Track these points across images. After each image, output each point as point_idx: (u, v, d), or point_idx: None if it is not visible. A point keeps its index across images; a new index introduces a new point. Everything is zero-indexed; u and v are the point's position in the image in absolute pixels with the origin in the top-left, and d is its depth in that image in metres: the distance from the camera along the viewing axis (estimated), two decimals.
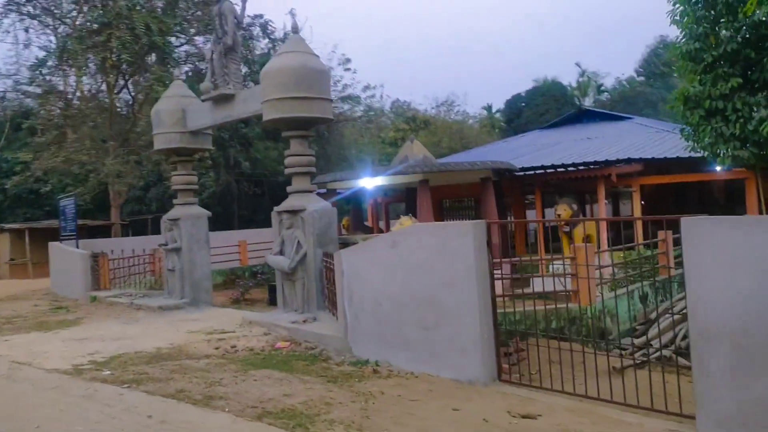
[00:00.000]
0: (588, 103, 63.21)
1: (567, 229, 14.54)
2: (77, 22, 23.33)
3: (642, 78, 62.80)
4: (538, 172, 14.80)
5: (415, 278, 6.83)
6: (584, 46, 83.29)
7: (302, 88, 10.05)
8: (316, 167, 11.12)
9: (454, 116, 53.79)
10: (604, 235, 14.29)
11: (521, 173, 14.78)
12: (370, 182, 15.02)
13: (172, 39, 24.43)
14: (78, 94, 25.52)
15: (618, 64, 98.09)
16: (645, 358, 7.52)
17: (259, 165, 39.55)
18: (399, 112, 55.78)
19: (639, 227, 14.25)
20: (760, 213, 14.30)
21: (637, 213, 14.88)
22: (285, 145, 11.27)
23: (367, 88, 43.52)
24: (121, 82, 24.87)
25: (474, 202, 17.44)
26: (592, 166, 13.92)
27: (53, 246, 17.00)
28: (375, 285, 7.38)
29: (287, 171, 10.88)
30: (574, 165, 14.31)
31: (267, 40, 31.31)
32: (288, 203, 10.58)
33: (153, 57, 24.19)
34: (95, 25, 21.62)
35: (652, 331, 9.31)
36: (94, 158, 23.36)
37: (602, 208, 14.16)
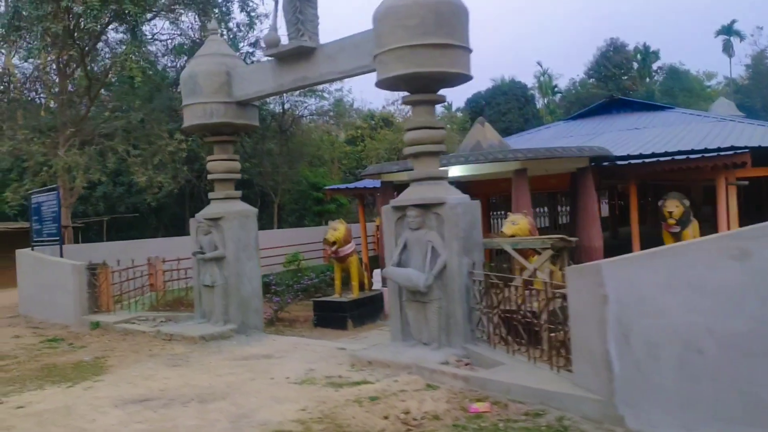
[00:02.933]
0: (541, 104, 62.52)
1: (677, 229, 12.20)
2: None
3: (593, 80, 62.45)
4: (635, 162, 12.39)
5: None
6: (538, 48, 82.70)
7: (443, 33, 7.14)
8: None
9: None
10: None
11: (623, 162, 12.33)
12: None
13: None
14: (22, 71, 21.42)
15: (568, 66, 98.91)
16: None
17: None
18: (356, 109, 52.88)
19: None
20: None
21: (735, 211, 12.65)
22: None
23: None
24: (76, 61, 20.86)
25: (562, 195, 14.90)
26: (707, 155, 11.61)
27: (24, 255, 13.18)
28: (687, 319, 4.59)
29: (408, 150, 7.92)
30: (685, 153, 11.96)
31: None
32: (416, 195, 7.62)
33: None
34: None
35: None
36: (48, 147, 19.40)
37: (723, 205, 11.94)
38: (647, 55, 53.28)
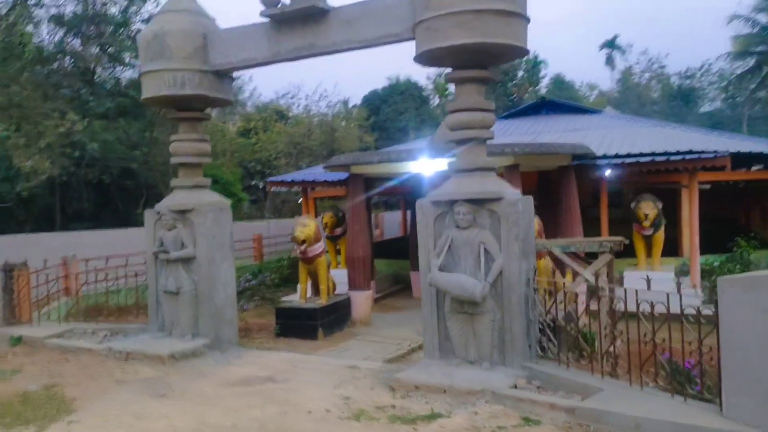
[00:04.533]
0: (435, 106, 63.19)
1: (650, 232, 11.96)
2: None
3: None
4: (616, 161, 12.00)
5: None
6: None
7: None
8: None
9: (316, 108, 49.50)
10: (695, 240, 11.92)
11: (603, 162, 11.86)
12: (429, 166, 11.04)
13: None
14: None
15: None
16: None
17: (108, 149, 32.60)
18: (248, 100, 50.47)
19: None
20: None
21: (695, 214, 12.62)
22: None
23: None
24: None
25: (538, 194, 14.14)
26: (688, 157, 11.43)
27: None
28: None
29: (451, 136, 6.78)
30: (667, 154, 11.69)
31: None
32: (467, 188, 6.48)
33: None
34: None
35: None
36: None
37: (695, 208, 11.82)
38: (536, 64, 55.25)
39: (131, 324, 9.05)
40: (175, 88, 7.86)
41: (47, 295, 10.01)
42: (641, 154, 11.97)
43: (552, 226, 11.12)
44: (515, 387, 5.76)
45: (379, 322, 11.43)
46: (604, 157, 11.98)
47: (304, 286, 10.82)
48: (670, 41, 73.29)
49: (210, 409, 5.67)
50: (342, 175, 13.74)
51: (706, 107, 58.33)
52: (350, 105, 57.31)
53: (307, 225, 10.39)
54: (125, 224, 29.60)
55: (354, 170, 11.36)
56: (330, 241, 14.01)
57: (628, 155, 12.05)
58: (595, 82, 55.63)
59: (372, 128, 50.39)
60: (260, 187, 39.06)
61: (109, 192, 33.74)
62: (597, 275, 6.74)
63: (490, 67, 6.67)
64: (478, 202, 6.38)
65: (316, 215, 15.75)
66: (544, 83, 57.86)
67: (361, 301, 11.27)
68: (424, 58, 6.59)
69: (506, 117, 21.80)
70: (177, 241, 8.17)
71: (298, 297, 10.85)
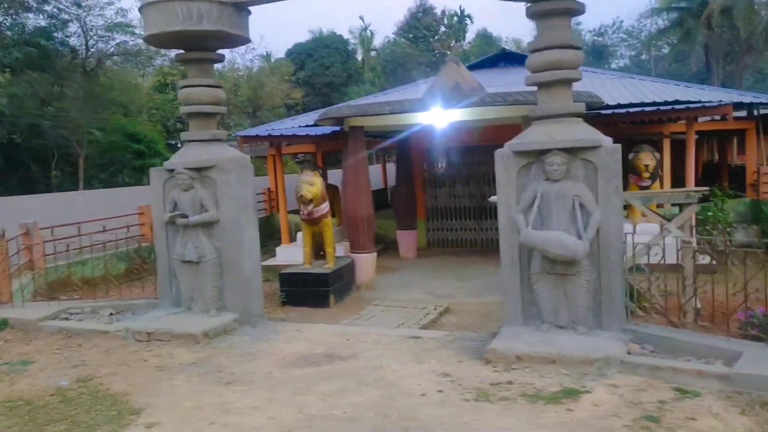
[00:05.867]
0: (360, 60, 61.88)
1: (648, 183, 11.85)
2: None
3: (404, 40, 63.45)
4: (619, 111, 11.69)
5: None
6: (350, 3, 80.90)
7: None
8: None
9: (242, 62, 46.95)
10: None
11: (607, 112, 11.51)
12: (441, 118, 10.25)
13: None
14: None
15: (378, 24, 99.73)
16: None
17: (16, 104, 29.62)
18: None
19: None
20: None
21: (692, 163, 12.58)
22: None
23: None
24: None
25: None
26: (691, 106, 11.28)
27: None
28: None
29: (534, 78, 6.08)
30: (670, 103, 11.49)
31: None
32: (560, 135, 5.83)
33: None
34: None
35: None
36: None
37: (691, 156, 11.74)
38: (462, 18, 54.93)
39: (136, 300, 7.90)
40: (190, 23, 6.67)
41: (18, 268, 8.62)
42: (644, 104, 11.73)
43: None
44: (629, 353, 5.30)
45: (382, 285, 10.75)
46: (608, 107, 11.62)
47: (309, 249, 9.93)
48: None
49: (299, 396, 4.85)
50: (326, 129, 12.77)
51: (614, 64, 60.24)
52: (273, 59, 55.04)
53: (314, 183, 9.47)
54: (33, 189, 27.06)
55: (353, 122, 10.44)
56: None
57: (631, 104, 11.77)
58: (519, 38, 55.85)
59: (298, 83, 48.69)
60: (180, 147, 36.98)
61: (18, 153, 30.84)
62: (682, 227, 6.36)
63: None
64: (572, 151, 5.77)
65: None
66: (470, 38, 57.75)
67: (366, 264, 10.53)
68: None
69: (472, 66, 21.20)
70: (195, 204, 7.09)
71: (303, 261, 9.94)
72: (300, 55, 52.79)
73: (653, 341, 5.48)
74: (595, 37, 61.42)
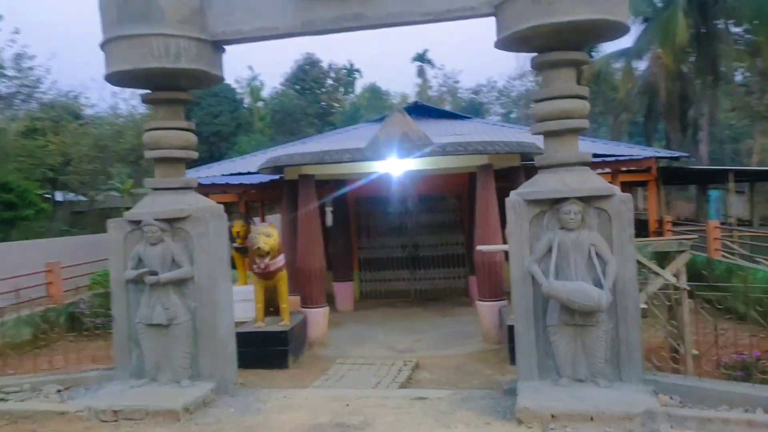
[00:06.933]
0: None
1: None
2: None
3: (291, 91, 63.76)
4: None
5: None
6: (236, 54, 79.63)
7: None
8: None
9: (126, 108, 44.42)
10: None
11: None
12: (397, 166, 9.99)
13: None
14: None
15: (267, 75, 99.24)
16: None
17: None
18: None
19: None
20: None
21: None
22: None
23: (22, 56, 32.59)
24: None
25: (460, 199, 13.42)
26: (620, 158, 11.91)
27: None
28: None
29: (542, 127, 6.01)
30: (614, 156, 12.06)
31: None
32: (575, 184, 5.76)
33: None
34: None
35: None
36: None
37: None
38: (350, 72, 55.98)
39: (86, 371, 6.80)
40: (167, 60, 6.04)
41: None
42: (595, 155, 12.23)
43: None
44: (663, 405, 5.20)
45: (334, 340, 10.17)
46: None
47: (262, 306, 9.21)
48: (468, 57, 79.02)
49: None
50: (263, 178, 12.16)
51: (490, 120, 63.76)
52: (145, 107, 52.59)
53: (270, 234, 8.85)
54: None
55: (305, 171, 9.98)
56: (238, 254, 12.27)
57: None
58: (407, 92, 57.73)
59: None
60: (50, 197, 34.40)
61: None
62: (677, 275, 6.47)
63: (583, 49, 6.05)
64: (587, 200, 5.72)
65: None
66: (358, 92, 58.81)
67: (319, 319, 9.93)
68: (512, 39, 5.75)
69: (374, 121, 21.38)
70: (166, 259, 6.30)
71: (255, 319, 9.18)
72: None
73: (678, 391, 5.42)
74: (472, 95, 64.73)
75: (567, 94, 5.88)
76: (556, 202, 5.75)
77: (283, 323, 9.09)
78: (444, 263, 13.72)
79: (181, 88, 6.56)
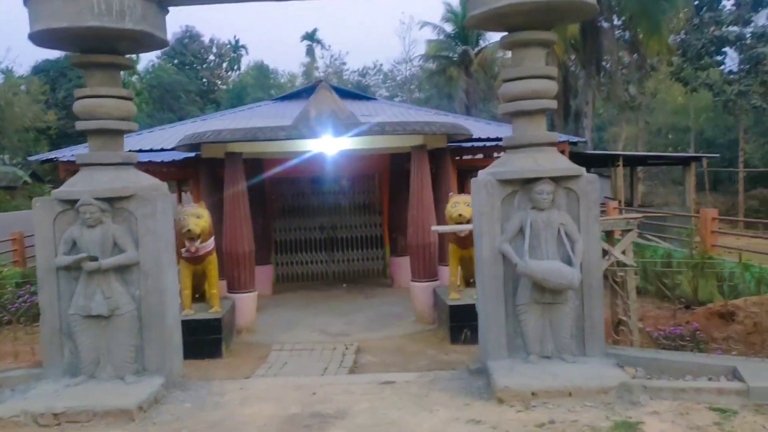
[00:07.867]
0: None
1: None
2: None
3: (170, 65, 60.77)
4: (478, 144, 12.13)
5: None
6: None
7: None
8: None
9: None
10: None
11: (467, 145, 11.79)
12: (331, 144, 9.60)
13: None
14: None
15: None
16: None
17: None
18: None
19: None
20: None
21: None
22: None
23: None
24: None
25: (378, 180, 13.08)
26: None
27: None
28: None
29: (510, 107, 5.95)
30: None
31: None
32: (547, 164, 5.77)
33: None
34: None
35: None
36: None
37: None
38: (237, 48, 54.05)
39: (8, 371, 5.97)
40: (109, 18, 5.36)
41: None
42: (489, 139, 12.39)
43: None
44: (634, 378, 5.38)
45: (261, 326, 9.74)
46: (477, 139, 12.03)
47: (189, 293, 8.60)
48: (355, 38, 78.82)
49: None
50: (176, 155, 11.36)
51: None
52: (17, 75, 48.11)
53: (201, 216, 8.27)
54: None
55: (232, 148, 9.41)
56: None
57: (490, 138, 12.35)
58: (295, 72, 56.62)
59: (49, 105, 43.29)
60: None
61: None
62: (624, 252, 6.73)
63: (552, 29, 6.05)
64: (557, 180, 5.76)
65: None
66: (244, 70, 56.92)
67: (248, 304, 9.46)
68: (490, 16, 5.65)
69: (281, 99, 20.70)
70: (106, 243, 5.64)
71: (182, 307, 8.55)
72: (51, 73, 46.87)
73: (641, 363, 5.64)
74: (359, 77, 64.66)
75: (538, 74, 5.86)
76: (528, 182, 5.75)
77: (214, 310, 8.56)
78: (362, 244, 13.55)
79: (119, 52, 5.85)
